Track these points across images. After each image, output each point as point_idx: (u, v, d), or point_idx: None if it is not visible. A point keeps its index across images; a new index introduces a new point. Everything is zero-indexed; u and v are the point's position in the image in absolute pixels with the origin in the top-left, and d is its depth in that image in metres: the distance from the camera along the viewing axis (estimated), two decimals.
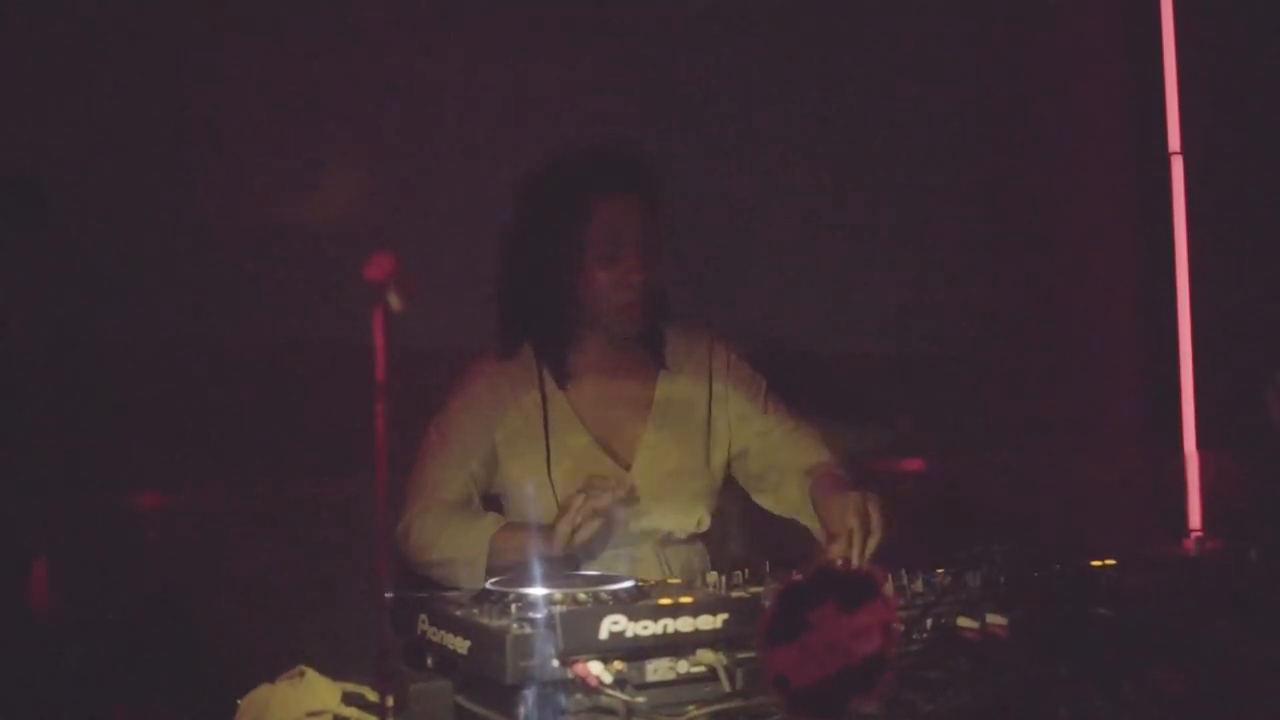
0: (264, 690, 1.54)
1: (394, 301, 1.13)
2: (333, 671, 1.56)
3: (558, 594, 1.57)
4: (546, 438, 2.27)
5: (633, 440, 2.31)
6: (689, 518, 2.32)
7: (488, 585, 1.67)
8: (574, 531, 2.00)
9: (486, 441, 2.27)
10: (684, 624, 1.51)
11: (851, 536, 1.97)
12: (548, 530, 2.05)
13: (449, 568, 2.14)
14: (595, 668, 1.44)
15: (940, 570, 1.83)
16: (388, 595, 1.20)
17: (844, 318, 3.59)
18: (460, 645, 1.52)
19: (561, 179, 2.26)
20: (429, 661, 1.60)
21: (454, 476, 2.25)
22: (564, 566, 2.00)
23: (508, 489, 2.30)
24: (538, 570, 1.77)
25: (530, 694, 1.42)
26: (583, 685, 1.44)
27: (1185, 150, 4.15)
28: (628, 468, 2.28)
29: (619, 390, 2.34)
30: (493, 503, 2.31)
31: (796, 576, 1.17)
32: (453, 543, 2.15)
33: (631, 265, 2.22)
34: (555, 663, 1.44)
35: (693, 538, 2.35)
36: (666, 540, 2.31)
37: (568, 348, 2.31)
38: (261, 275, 2.82)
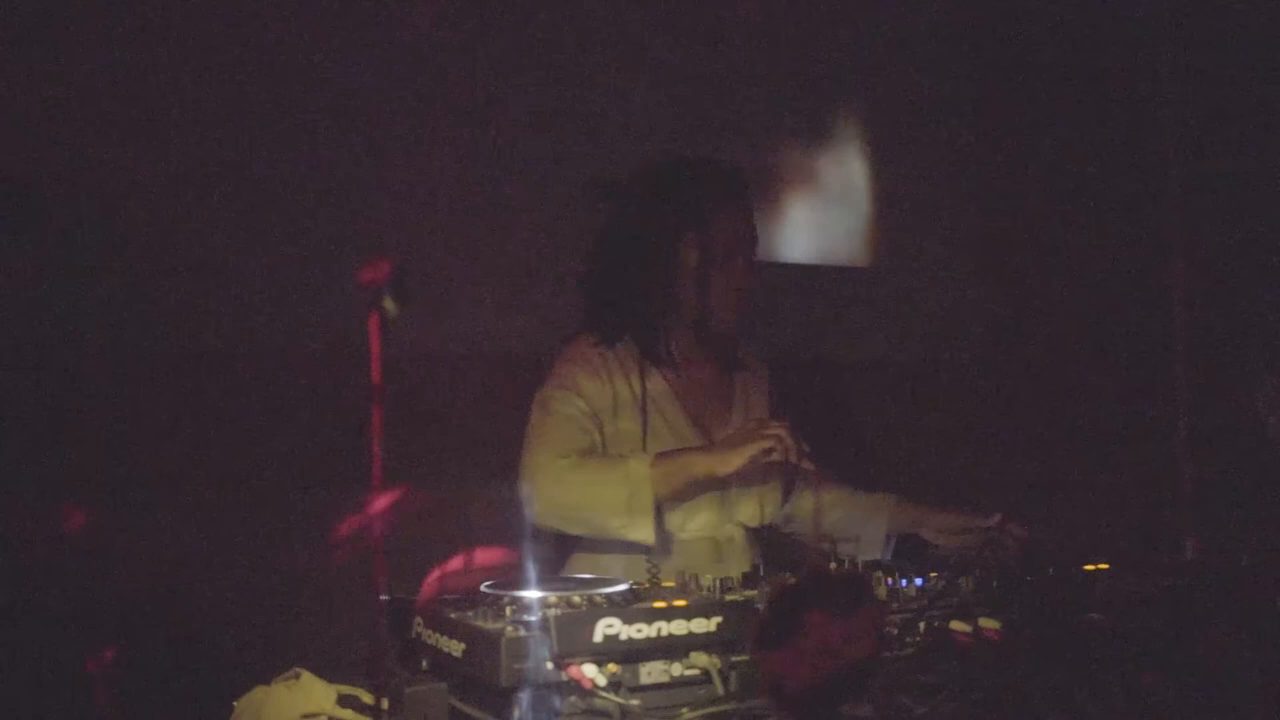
0: (259, 692, 1.55)
1: (390, 306, 1.14)
2: (328, 673, 1.56)
3: (552, 596, 1.58)
4: (644, 419, 2.35)
5: (721, 426, 2.42)
6: (769, 509, 2.43)
7: (483, 588, 1.67)
8: (764, 451, 2.10)
9: (592, 404, 2.33)
10: (678, 627, 1.52)
11: None
12: (713, 450, 2.18)
13: (595, 509, 2.19)
14: (589, 670, 1.45)
15: (934, 574, 1.83)
16: (383, 598, 1.20)
17: (840, 323, 3.59)
18: (455, 647, 1.52)
19: (680, 186, 2.39)
20: (424, 664, 1.60)
21: (577, 427, 2.30)
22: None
23: None
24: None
25: (525, 696, 1.43)
26: (577, 688, 1.45)
27: (1182, 150, 4.17)
28: None
29: (709, 383, 2.46)
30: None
31: (790, 580, 1.17)
32: (605, 477, 2.19)
33: (742, 269, 2.37)
34: (550, 665, 1.44)
35: (761, 530, 2.45)
36: (746, 529, 2.41)
37: (667, 340, 2.41)
38: (260, 281, 2.81)
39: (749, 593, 1.71)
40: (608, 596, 1.61)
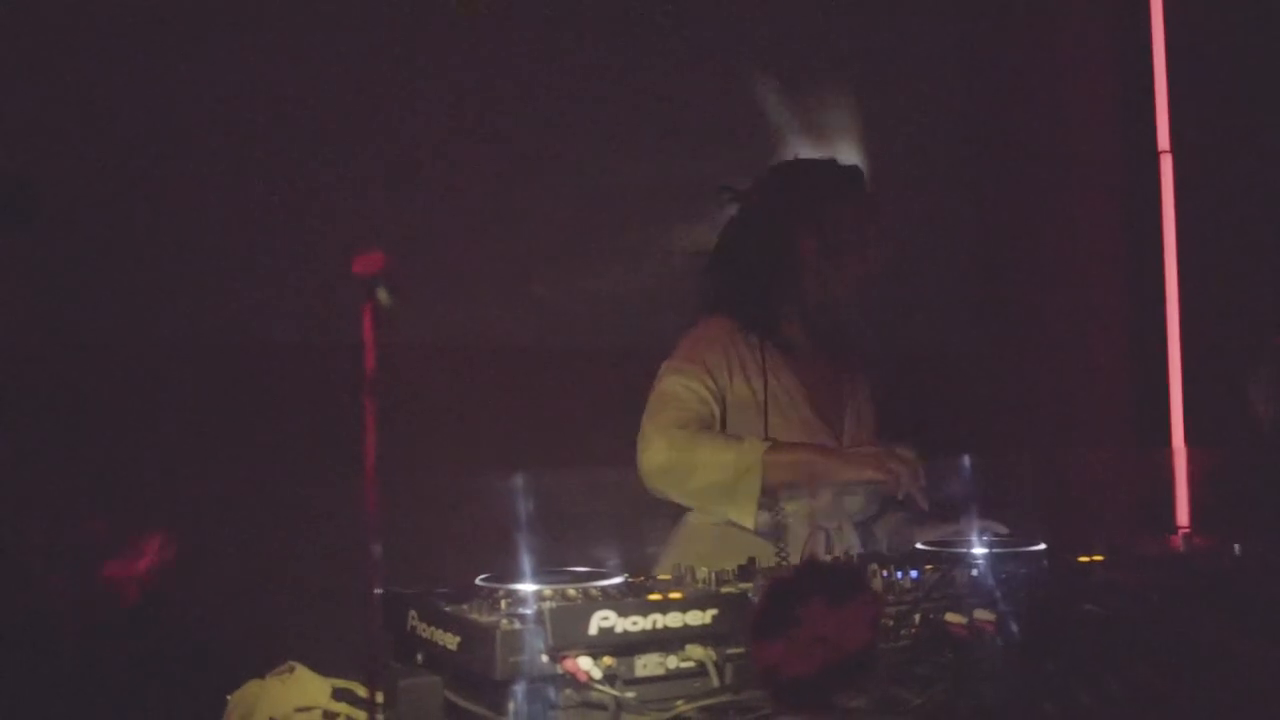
0: (254, 686, 1.54)
1: (383, 297, 1.13)
2: (323, 667, 1.56)
3: (547, 589, 1.57)
4: (765, 402, 2.42)
5: (837, 417, 2.52)
6: (872, 502, 2.48)
7: (478, 581, 1.67)
8: (880, 481, 2.18)
9: (717, 382, 2.40)
10: (673, 619, 1.52)
11: None
12: (834, 456, 2.26)
13: (703, 483, 2.26)
14: (585, 663, 1.45)
15: (929, 566, 1.83)
16: (377, 591, 1.19)
17: None
18: (450, 641, 1.52)
19: (799, 183, 2.52)
20: (419, 657, 1.60)
21: (698, 400, 2.37)
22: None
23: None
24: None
25: (520, 689, 1.42)
26: (572, 680, 1.45)
27: (1174, 149, 4.17)
28: (838, 438, 2.49)
29: (825, 375, 2.54)
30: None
31: (785, 572, 1.17)
32: (718, 454, 2.26)
33: (857, 262, 2.47)
34: (545, 658, 1.44)
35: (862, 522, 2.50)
36: (854, 519, 2.46)
37: (788, 329, 2.50)
38: (253, 273, 2.81)
39: (744, 585, 1.71)
40: (603, 589, 1.61)
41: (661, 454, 2.29)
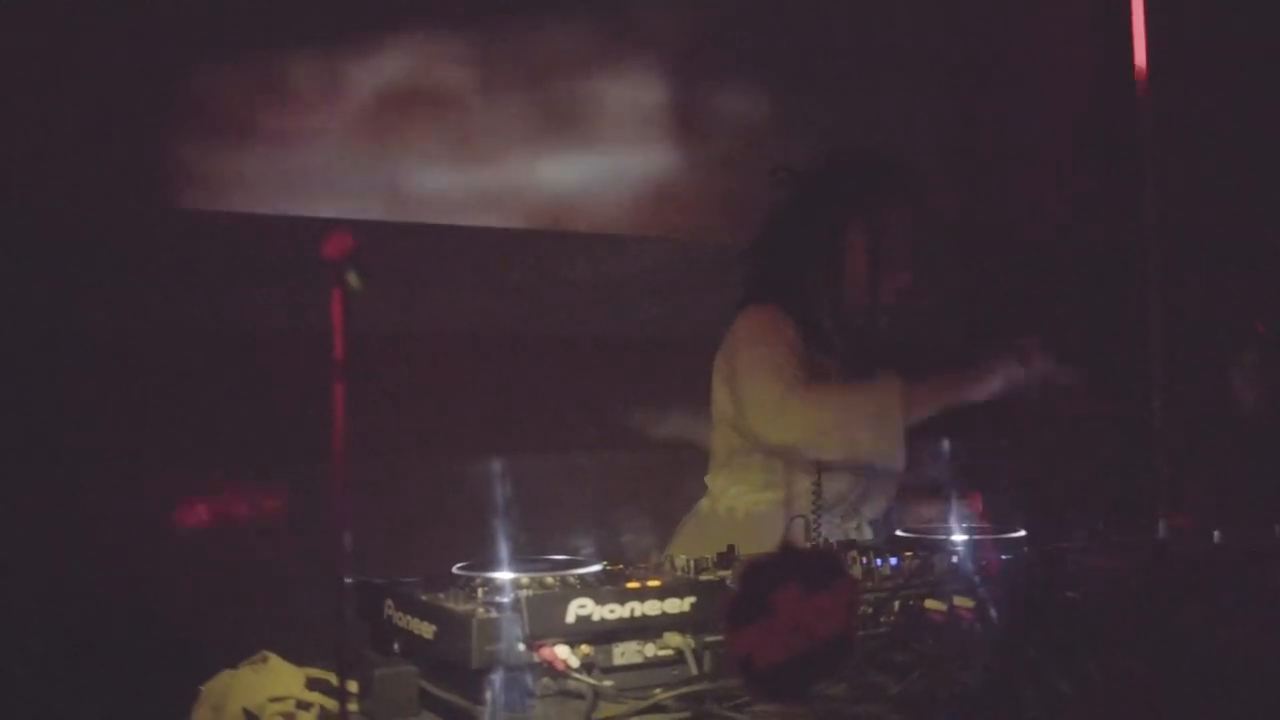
0: (226, 676, 1.53)
1: (353, 281, 1.11)
2: (296, 657, 1.54)
3: (524, 578, 1.56)
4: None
5: None
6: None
7: (454, 570, 1.65)
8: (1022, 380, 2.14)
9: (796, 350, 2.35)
10: (651, 607, 1.51)
11: None
12: (967, 377, 2.19)
13: (852, 435, 2.21)
14: (562, 651, 1.44)
15: (909, 553, 1.83)
16: (347, 581, 1.18)
17: None
18: (426, 630, 1.51)
19: (853, 175, 2.44)
20: (396, 646, 1.58)
21: (800, 362, 2.31)
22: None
23: None
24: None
25: (496, 678, 1.41)
26: (549, 669, 1.44)
27: (1155, 138, 4.17)
28: None
29: (861, 372, 2.45)
30: None
31: (761, 559, 1.16)
32: (854, 399, 2.24)
33: (904, 261, 2.41)
34: (521, 647, 1.43)
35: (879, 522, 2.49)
36: (873, 517, 2.46)
37: (830, 321, 2.44)
38: (218, 262, 2.78)
39: (723, 572, 1.70)
40: (580, 577, 1.59)
41: (799, 413, 2.23)
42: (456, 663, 1.43)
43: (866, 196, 2.41)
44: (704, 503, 2.50)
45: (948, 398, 2.20)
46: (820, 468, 2.26)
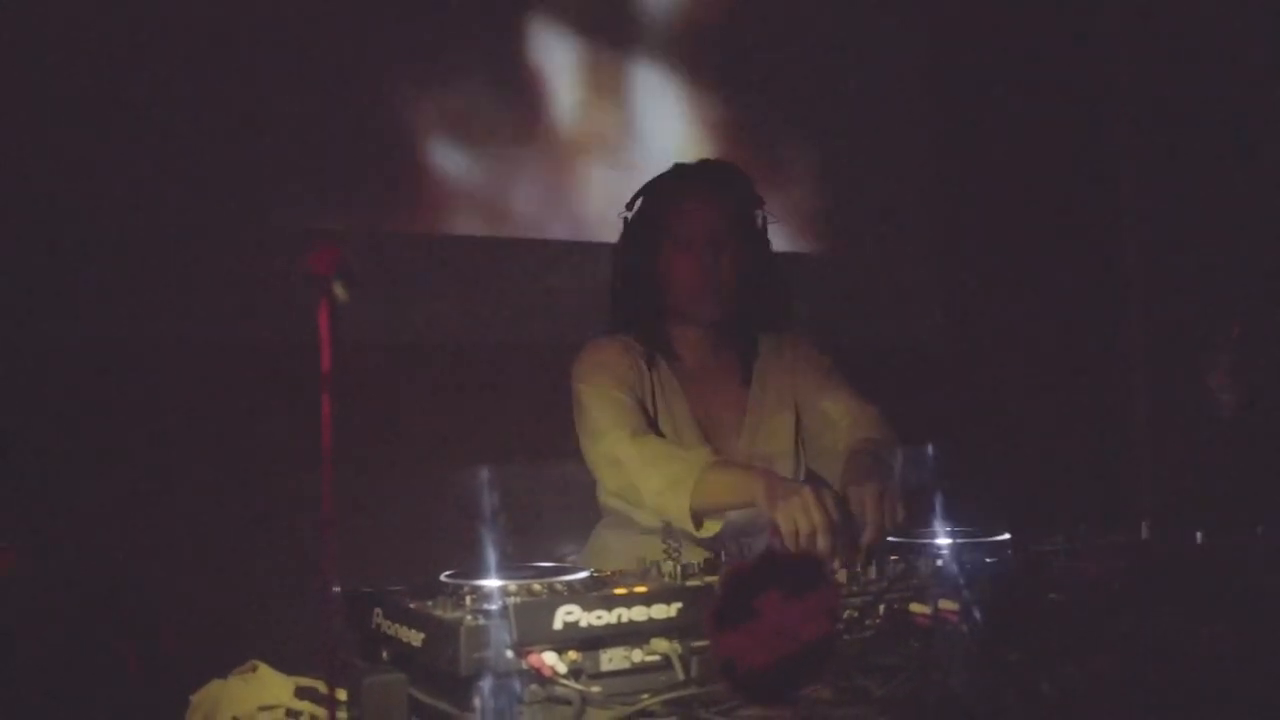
0: (216, 685, 1.53)
1: (340, 292, 1.12)
2: (285, 665, 1.55)
3: (512, 585, 1.57)
4: (654, 407, 2.40)
5: (735, 425, 2.46)
6: None
7: (442, 578, 1.66)
8: (806, 529, 1.92)
9: (635, 393, 2.37)
10: (638, 613, 1.52)
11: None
12: (773, 488, 2.02)
13: (649, 492, 2.19)
14: (550, 658, 1.44)
15: (894, 557, 1.84)
16: (335, 590, 1.19)
17: (812, 310, 3.61)
18: (414, 637, 1.51)
19: (665, 182, 2.49)
20: (384, 655, 1.59)
21: (627, 409, 2.32)
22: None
23: None
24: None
25: (485, 685, 1.41)
26: (537, 676, 1.44)
27: (1135, 136, 4.21)
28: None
29: (720, 380, 2.49)
30: None
31: (746, 564, 1.17)
32: (658, 465, 2.19)
33: (711, 256, 2.39)
34: (510, 653, 1.43)
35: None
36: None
37: (668, 335, 2.48)
38: (204, 272, 2.79)
39: (709, 578, 1.71)
40: (568, 584, 1.60)
41: (609, 466, 2.28)
42: (445, 670, 1.44)
43: (664, 200, 2.44)
44: (601, 525, 2.52)
45: (745, 498, 2.08)
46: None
